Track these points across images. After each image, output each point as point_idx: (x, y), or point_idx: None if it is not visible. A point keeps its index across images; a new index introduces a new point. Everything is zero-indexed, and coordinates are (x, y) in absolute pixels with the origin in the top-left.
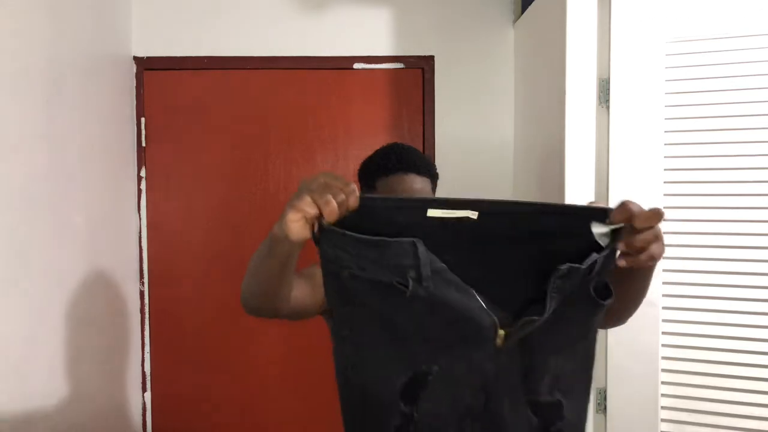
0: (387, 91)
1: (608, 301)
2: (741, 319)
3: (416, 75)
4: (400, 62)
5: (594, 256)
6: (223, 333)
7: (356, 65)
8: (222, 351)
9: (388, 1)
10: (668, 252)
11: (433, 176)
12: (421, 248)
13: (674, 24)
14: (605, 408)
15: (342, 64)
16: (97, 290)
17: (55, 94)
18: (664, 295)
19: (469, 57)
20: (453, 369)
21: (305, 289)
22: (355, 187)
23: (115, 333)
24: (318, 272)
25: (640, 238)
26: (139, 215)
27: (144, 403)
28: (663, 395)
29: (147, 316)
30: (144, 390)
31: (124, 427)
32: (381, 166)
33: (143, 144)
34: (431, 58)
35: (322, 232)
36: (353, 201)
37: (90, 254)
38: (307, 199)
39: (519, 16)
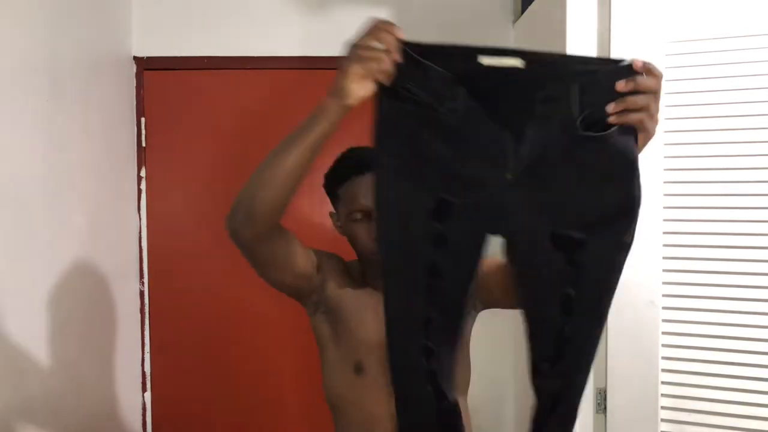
0: None
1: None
2: (741, 319)
3: None
4: None
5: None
6: (223, 333)
7: None
8: (222, 351)
9: (388, 1)
10: (668, 252)
11: None
12: (461, 87)
13: (674, 24)
14: (605, 408)
15: None
16: (97, 290)
17: (55, 93)
18: (664, 295)
19: None
20: (472, 199)
21: (297, 245)
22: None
23: (115, 333)
24: (318, 255)
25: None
26: (139, 215)
27: (144, 403)
28: (663, 395)
29: (147, 316)
30: (144, 390)
31: (124, 427)
32: (340, 173)
33: (143, 144)
34: None
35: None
36: (396, 56)
37: (90, 254)
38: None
39: (519, 16)
